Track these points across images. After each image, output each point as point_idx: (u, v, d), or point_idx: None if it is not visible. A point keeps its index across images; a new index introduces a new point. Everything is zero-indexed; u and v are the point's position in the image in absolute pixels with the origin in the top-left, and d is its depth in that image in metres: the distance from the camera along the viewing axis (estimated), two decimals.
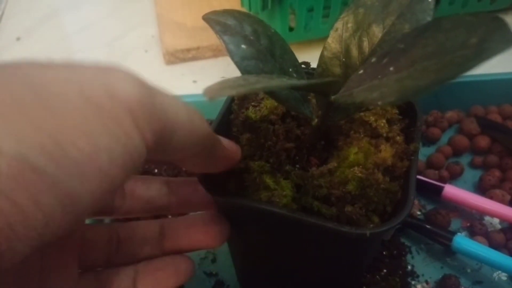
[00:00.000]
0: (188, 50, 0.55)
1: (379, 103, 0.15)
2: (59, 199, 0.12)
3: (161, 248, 0.25)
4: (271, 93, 0.21)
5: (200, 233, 0.24)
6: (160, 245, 0.25)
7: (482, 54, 0.14)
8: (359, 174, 0.21)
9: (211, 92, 0.13)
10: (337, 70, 0.23)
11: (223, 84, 0.14)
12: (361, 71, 0.19)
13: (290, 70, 0.23)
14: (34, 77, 0.13)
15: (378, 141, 0.23)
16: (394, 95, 0.15)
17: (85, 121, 0.13)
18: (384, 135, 0.23)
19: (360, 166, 0.21)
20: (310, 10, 0.51)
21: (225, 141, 0.21)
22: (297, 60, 0.24)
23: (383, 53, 0.18)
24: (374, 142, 0.23)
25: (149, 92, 0.15)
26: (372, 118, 0.24)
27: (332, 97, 0.19)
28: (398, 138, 0.23)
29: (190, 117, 0.17)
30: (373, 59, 0.18)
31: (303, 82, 0.17)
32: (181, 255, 0.24)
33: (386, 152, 0.22)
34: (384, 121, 0.24)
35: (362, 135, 0.23)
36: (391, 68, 0.16)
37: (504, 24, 0.14)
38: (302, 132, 0.24)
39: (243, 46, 0.21)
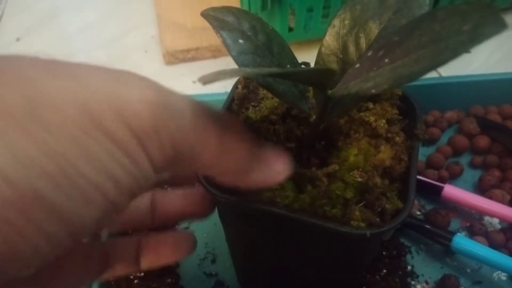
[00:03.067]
0: (188, 50, 0.55)
1: (373, 91, 0.15)
2: (64, 228, 0.12)
3: (152, 218, 0.25)
4: (269, 87, 0.21)
5: (190, 201, 0.25)
6: (151, 215, 0.25)
7: (475, 38, 0.14)
8: (359, 179, 0.21)
9: (206, 78, 0.12)
10: (335, 66, 0.23)
11: (218, 72, 0.14)
12: (357, 65, 0.19)
13: (288, 66, 0.23)
14: (38, 87, 0.12)
15: (378, 142, 0.23)
16: (387, 83, 0.15)
17: (90, 147, 0.12)
18: (384, 135, 0.23)
19: (360, 170, 0.21)
20: (310, 10, 0.51)
21: (274, 156, 0.18)
22: (295, 58, 0.24)
23: (379, 46, 0.18)
24: (374, 143, 0.23)
25: (164, 115, 0.13)
26: (372, 118, 0.24)
27: (330, 92, 0.19)
28: (397, 138, 0.24)
29: (220, 140, 0.15)
30: (369, 53, 0.18)
31: (297, 69, 0.16)
32: (183, 231, 0.25)
33: (385, 153, 0.22)
34: (384, 121, 0.24)
35: (362, 135, 0.23)
36: (386, 60, 0.16)
37: (496, 10, 0.14)
38: (302, 132, 0.24)
39: (240, 41, 0.21)
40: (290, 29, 0.53)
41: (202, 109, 0.15)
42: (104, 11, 0.65)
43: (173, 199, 0.25)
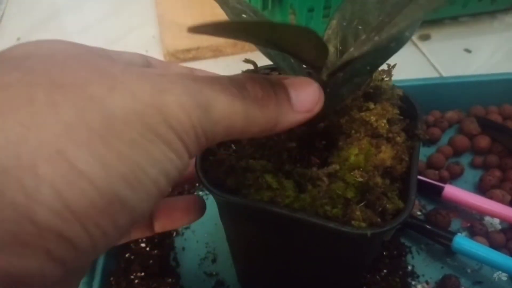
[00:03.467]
0: (189, 50, 0.55)
1: (365, 48, 0.17)
2: (130, 219, 0.15)
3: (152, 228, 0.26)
4: (271, 59, 0.22)
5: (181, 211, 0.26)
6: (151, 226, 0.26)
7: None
8: (359, 179, 0.21)
9: (194, 28, 0.14)
10: (333, 57, 0.23)
11: (207, 23, 0.15)
12: (351, 49, 0.19)
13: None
14: (106, 104, 0.14)
15: (379, 141, 0.23)
16: (381, 43, 0.17)
17: (151, 150, 0.15)
18: (385, 135, 0.23)
19: (360, 170, 0.21)
20: (311, 10, 0.51)
21: (301, 91, 0.19)
22: None
23: (372, 29, 0.19)
24: (374, 142, 0.23)
25: (199, 112, 0.16)
26: (373, 118, 0.24)
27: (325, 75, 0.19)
28: (398, 138, 0.24)
29: (246, 116, 0.17)
30: (363, 37, 0.19)
31: (290, 24, 0.17)
32: (193, 196, 0.26)
33: (386, 153, 0.22)
34: (384, 121, 0.24)
35: (362, 135, 0.23)
36: (376, 38, 0.17)
37: None
38: (302, 131, 0.24)
39: (244, 15, 0.21)
40: None
41: (232, 93, 0.17)
42: (105, 11, 0.65)
43: (164, 207, 0.26)
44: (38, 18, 0.63)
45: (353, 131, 0.23)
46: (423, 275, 0.36)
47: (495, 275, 0.36)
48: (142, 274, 0.35)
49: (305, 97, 0.19)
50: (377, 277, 0.35)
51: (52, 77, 0.14)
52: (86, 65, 0.16)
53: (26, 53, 0.17)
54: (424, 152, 0.44)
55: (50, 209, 0.13)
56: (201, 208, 0.26)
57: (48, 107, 0.13)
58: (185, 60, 0.56)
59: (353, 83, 0.23)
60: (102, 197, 0.13)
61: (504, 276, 0.36)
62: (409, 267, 0.36)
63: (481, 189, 0.41)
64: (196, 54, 0.56)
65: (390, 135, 0.24)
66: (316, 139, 0.24)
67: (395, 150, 0.23)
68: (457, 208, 0.40)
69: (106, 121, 0.14)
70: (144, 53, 0.63)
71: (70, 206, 0.13)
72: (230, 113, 0.17)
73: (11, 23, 0.63)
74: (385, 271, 0.36)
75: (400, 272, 0.36)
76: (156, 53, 0.57)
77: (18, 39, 0.60)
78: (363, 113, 0.24)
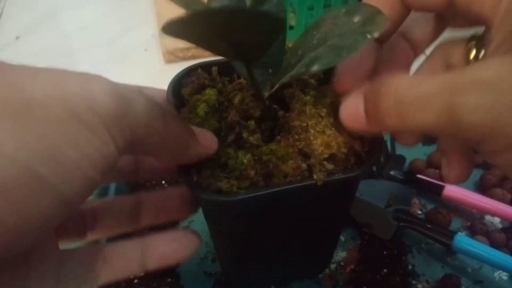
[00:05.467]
0: (188, 48, 0.55)
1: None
2: (56, 202, 0.15)
3: (138, 221, 0.26)
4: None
5: (176, 202, 0.26)
6: (137, 218, 0.26)
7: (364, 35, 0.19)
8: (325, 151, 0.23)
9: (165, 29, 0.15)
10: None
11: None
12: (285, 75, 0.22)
13: None
14: (28, 91, 0.15)
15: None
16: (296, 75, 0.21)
17: (71, 133, 0.15)
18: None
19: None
20: (310, 9, 0.51)
21: (201, 134, 0.22)
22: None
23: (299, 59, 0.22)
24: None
25: (123, 104, 0.17)
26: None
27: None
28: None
29: (164, 122, 0.18)
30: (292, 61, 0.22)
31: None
32: (187, 230, 0.25)
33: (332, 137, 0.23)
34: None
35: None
36: (295, 70, 0.21)
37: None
38: (255, 107, 0.24)
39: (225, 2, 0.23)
40: (291, 28, 0.52)
41: (150, 99, 0.18)
42: (104, 9, 0.65)
43: (157, 198, 0.26)
44: (37, 17, 0.63)
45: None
46: (423, 275, 0.36)
47: (495, 274, 0.36)
48: (142, 274, 0.35)
49: (208, 136, 0.22)
50: (377, 276, 0.35)
51: None
52: (8, 63, 0.16)
53: None
54: (424, 151, 0.44)
55: None
56: (196, 245, 0.25)
57: None
58: (184, 58, 0.56)
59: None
60: (20, 173, 0.14)
61: (504, 276, 0.36)
62: (410, 267, 0.36)
63: (482, 188, 0.41)
64: (196, 52, 0.55)
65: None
66: (270, 110, 0.24)
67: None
68: (457, 207, 0.40)
69: (26, 103, 0.14)
70: (143, 52, 0.63)
71: None
72: (151, 112, 0.18)
73: (10, 21, 0.63)
74: (385, 270, 0.36)
75: (401, 272, 0.36)
76: (155, 52, 0.57)
77: (17, 37, 0.59)
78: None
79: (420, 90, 0.16)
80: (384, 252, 0.37)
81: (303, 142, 0.23)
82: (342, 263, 0.37)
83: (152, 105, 0.18)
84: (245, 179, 0.22)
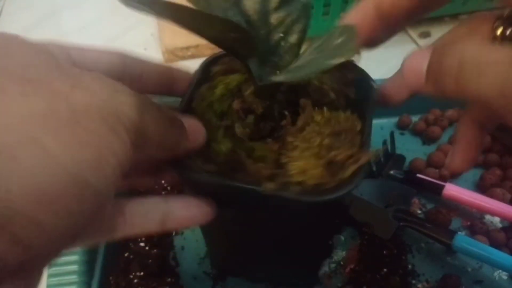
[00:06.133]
0: (187, 48, 0.55)
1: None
2: (96, 205, 0.16)
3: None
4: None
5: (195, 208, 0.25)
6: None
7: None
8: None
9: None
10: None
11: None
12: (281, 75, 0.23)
13: None
14: (68, 97, 0.16)
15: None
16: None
17: (108, 141, 0.16)
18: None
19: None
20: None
21: (190, 126, 0.22)
22: None
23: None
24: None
25: (141, 116, 0.18)
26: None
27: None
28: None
29: (165, 126, 0.20)
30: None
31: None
32: (203, 200, 0.25)
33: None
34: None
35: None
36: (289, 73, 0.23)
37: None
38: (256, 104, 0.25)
39: None
40: None
41: (158, 108, 0.20)
42: (103, 9, 0.65)
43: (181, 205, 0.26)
44: (36, 17, 0.63)
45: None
46: (423, 274, 0.36)
47: (495, 274, 0.36)
48: (142, 273, 0.35)
49: (197, 129, 0.23)
50: (377, 276, 0.35)
51: (20, 72, 0.15)
52: (46, 63, 0.17)
53: None
54: (424, 151, 0.44)
55: (25, 191, 0.13)
56: (211, 211, 0.25)
57: (21, 96, 0.14)
58: (184, 58, 0.56)
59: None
60: (71, 181, 0.15)
61: (504, 275, 0.36)
62: (409, 266, 0.36)
63: (482, 187, 0.41)
64: (195, 51, 0.55)
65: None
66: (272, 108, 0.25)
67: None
68: (457, 207, 0.40)
69: (71, 113, 0.15)
70: (143, 51, 0.63)
71: (43, 189, 0.14)
72: (156, 119, 0.19)
73: (9, 21, 0.63)
74: (385, 270, 0.36)
75: (400, 271, 0.36)
76: (155, 51, 0.57)
77: None
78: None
79: (488, 57, 0.16)
80: (384, 252, 0.37)
81: (285, 157, 0.23)
82: (342, 263, 0.37)
83: (158, 111, 0.19)
84: (215, 164, 0.23)
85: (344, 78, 0.26)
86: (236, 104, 0.24)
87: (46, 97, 0.15)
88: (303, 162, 0.22)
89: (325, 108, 0.24)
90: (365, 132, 0.23)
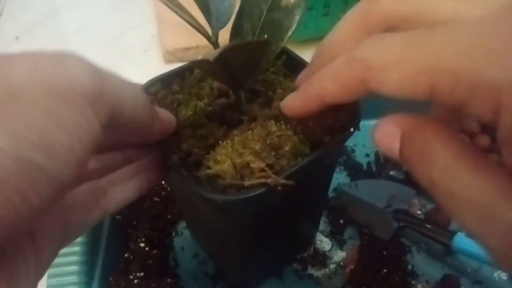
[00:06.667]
0: (188, 49, 0.55)
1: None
2: (52, 185, 0.15)
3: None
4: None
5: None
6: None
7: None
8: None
9: None
10: None
11: None
12: None
13: None
14: (4, 76, 0.15)
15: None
16: None
17: (59, 116, 0.15)
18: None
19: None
20: (310, 8, 0.51)
21: (161, 111, 0.22)
22: None
23: None
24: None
25: (101, 79, 0.17)
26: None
27: None
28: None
29: (135, 95, 0.19)
30: None
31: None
32: (142, 165, 0.25)
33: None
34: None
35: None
36: None
37: None
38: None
39: None
40: None
41: (121, 76, 0.19)
42: (104, 10, 0.65)
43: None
44: (36, 17, 0.63)
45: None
46: (423, 275, 0.36)
47: (495, 274, 0.36)
48: (142, 274, 0.35)
49: (167, 114, 0.23)
50: (377, 276, 0.35)
51: None
52: None
53: None
54: None
55: None
56: (153, 180, 0.26)
57: None
58: (184, 59, 0.56)
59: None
60: (16, 163, 0.14)
61: (504, 276, 0.36)
62: (409, 267, 0.36)
63: None
64: (196, 52, 0.55)
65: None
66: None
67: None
68: None
69: (10, 92, 0.14)
70: (143, 52, 0.62)
71: None
72: (124, 88, 0.18)
73: (9, 22, 0.63)
74: (385, 270, 0.36)
75: (400, 272, 0.36)
76: (155, 52, 0.57)
77: (17, 38, 0.59)
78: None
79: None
80: (384, 252, 0.37)
81: (218, 145, 0.24)
82: (341, 263, 0.37)
83: (124, 82, 0.18)
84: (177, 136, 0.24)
85: None
86: (216, 84, 0.26)
87: None
88: (221, 155, 0.23)
89: (281, 124, 0.25)
90: (303, 164, 0.23)
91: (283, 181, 0.21)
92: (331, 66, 0.19)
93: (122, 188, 0.24)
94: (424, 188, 0.15)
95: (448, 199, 0.14)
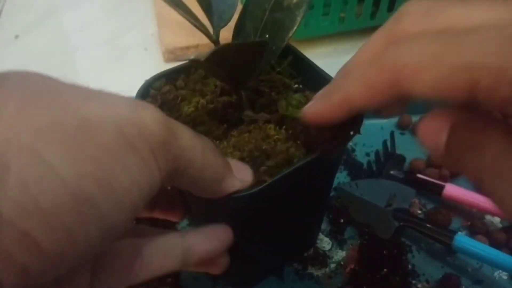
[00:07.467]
0: (188, 48, 0.55)
1: None
2: (101, 229, 0.14)
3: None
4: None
5: (215, 240, 0.24)
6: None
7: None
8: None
9: None
10: None
11: None
12: None
13: None
14: (79, 109, 0.14)
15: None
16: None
17: (124, 158, 0.15)
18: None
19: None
20: (310, 7, 0.51)
21: (237, 166, 0.21)
22: None
23: None
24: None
25: (170, 134, 0.17)
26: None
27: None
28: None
29: (204, 153, 0.18)
30: None
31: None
32: (220, 227, 0.24)
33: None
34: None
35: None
36: None
37: None
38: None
39: None
40: None
41: (193, 131, 0.18)
42: (104, 8, 0.65)
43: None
44: (36, 16, 0.63)
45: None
46: (423, 274, 0.36)
47: (495, 274, 0.36)
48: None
49: (243, 169, 0.22)
50: (377, 276, 0.35)
51: (25, 90, 0.14)
52: (60, 82, 0.16)
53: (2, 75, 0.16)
54: (424, 151, 0.44)
55: (15, 202, 0.12)
56: (230, 238, 0.24)
57: (18, 112, 0.13)
58: (184, 58, 0.55)
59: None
60: (71, 196, 0.13)
61: (504, 275, 0.36)
62: (410, 266, 0.36)
63: None
64: (196, 51, 0.55)
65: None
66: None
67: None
68: (457, 207, 0.40)
69: (81, 125, 0.14)
70: (143, 51, 0.62)
71: (37, 201, 0.12)
72: (193, 145, 0.18)
73: (9, 21, 0.63)
74: (385, 270, 0.36)
75: (400, 271, 0.36)
76: (155, 51, 0.57)
77: (16, 37, 0.59)
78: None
79: None
80: (384, 252, 0.37)
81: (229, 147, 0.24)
82: (342, 263, 0.37)
83: (195, 138, 0.18)
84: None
85: None
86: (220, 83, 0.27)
87: (51, 109, 0.14)
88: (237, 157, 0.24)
89: (279, 130, 0.25)
90: (287, 176, 0.22)
91: (248, 191, 0.21)
92: (357, 71, 0.17)
93: (164, 252, 0.21)
94: (467, 179, 0.15)
95: (498, 184, 0.14)
